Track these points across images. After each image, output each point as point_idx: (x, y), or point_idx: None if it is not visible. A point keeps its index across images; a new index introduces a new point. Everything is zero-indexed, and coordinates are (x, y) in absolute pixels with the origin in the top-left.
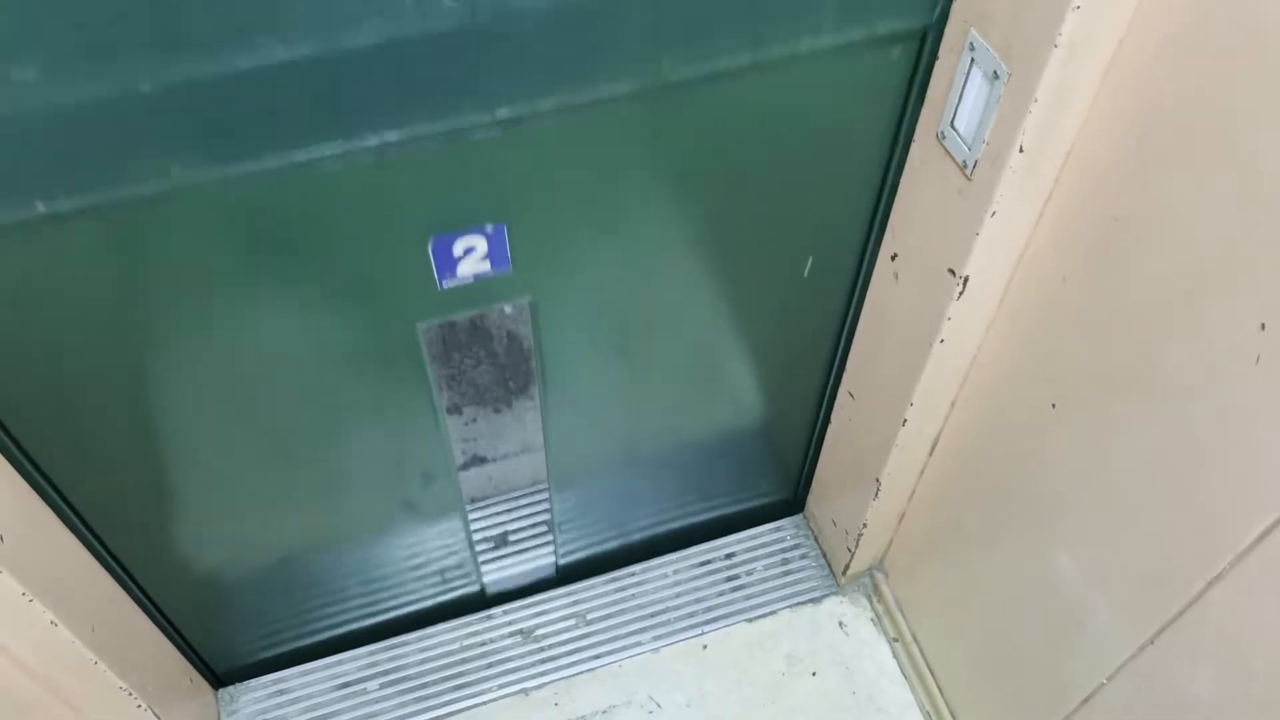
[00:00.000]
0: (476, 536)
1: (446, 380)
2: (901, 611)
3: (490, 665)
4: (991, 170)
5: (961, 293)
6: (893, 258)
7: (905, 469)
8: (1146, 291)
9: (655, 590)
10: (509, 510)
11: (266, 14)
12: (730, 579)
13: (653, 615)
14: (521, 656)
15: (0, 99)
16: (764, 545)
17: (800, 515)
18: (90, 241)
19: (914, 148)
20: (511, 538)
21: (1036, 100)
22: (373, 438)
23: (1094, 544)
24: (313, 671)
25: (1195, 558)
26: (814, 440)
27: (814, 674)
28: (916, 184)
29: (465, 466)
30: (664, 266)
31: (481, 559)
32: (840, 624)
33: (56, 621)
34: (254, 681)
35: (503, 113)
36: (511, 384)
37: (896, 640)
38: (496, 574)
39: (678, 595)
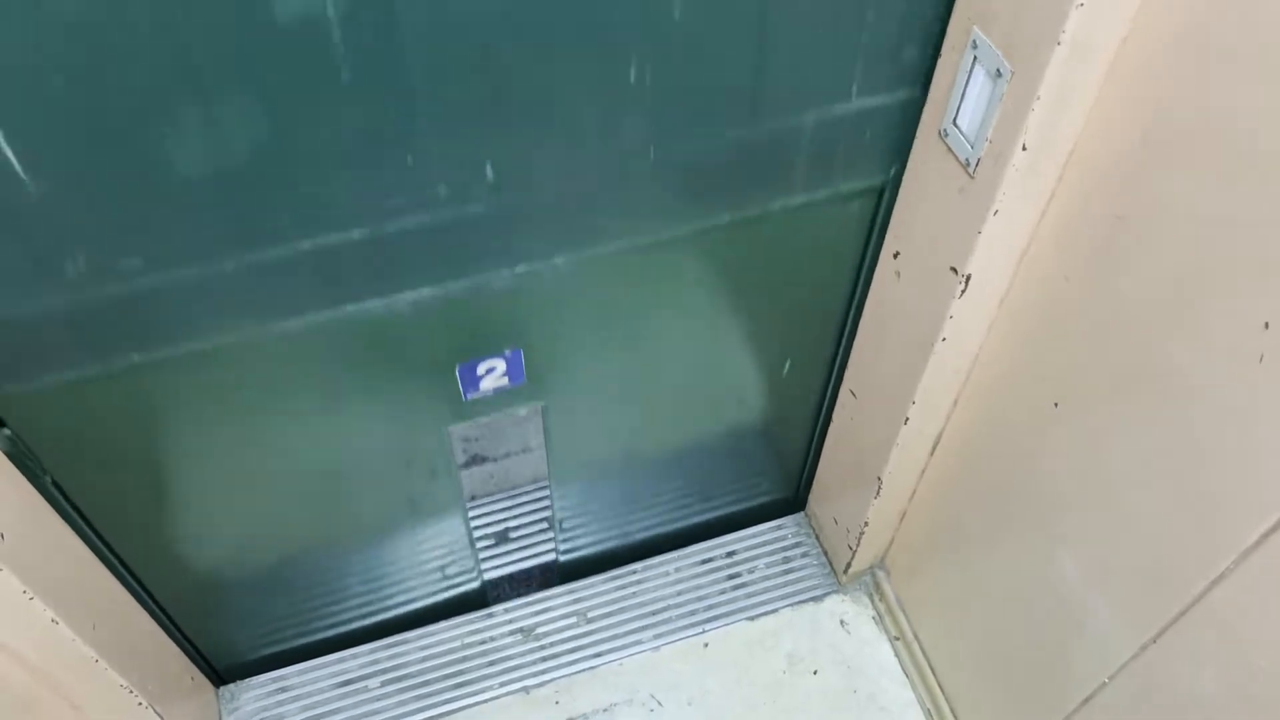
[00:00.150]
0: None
1: (466, 459)
2: (903, 610)
3: (491, 664)
4: (994, 169)
5: (964, 291)
6: (894, 256)
7: (907, 468)
8: (1149, 290)
9: (656, 588)
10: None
11: (329, 210)
12: (732, 577)
13: (654, 614)
14: (522, 655)
15: (112, 282)
16: (765, 544)
17: (802, 514)
18: (174, 379)
19: (916, 146)
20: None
21: (1039, 99)
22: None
23: (1096, 543)
24: (314, 669)
25: (1197, 557)
26: (815, 439)
27: (815, 672)
28: (919, 182)
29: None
30: (664, 356)
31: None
32: (841, 622)
33: (57, 619)
34: (255, 679)
35: (520, 268)
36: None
37: (898, 639)
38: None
39: (679, 593)
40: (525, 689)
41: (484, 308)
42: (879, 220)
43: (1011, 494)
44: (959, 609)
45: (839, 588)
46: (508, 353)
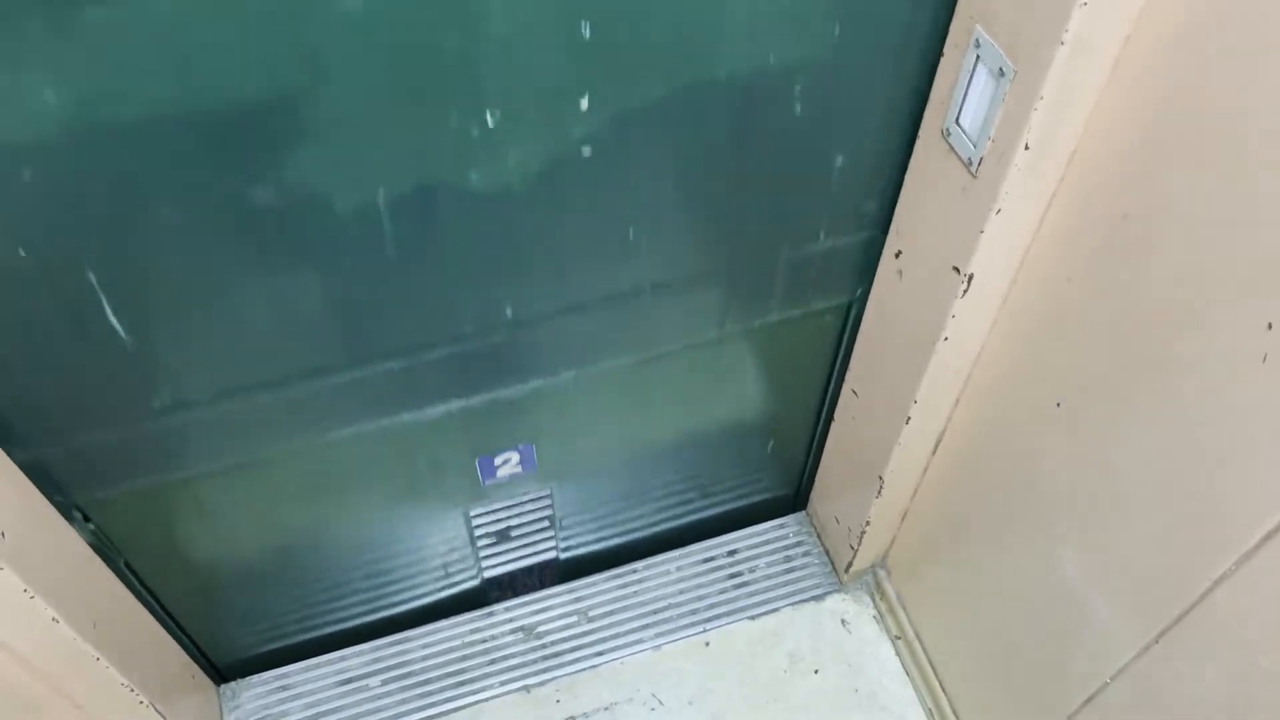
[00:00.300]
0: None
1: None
2: (904, 609)
3: (492, 662)
4: (997, 168)
5: (966, 290)
6: (897, 255)
7: (908, 467)
8: (1152, 290)
9: (658, 587)
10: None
11: (375, 347)
12: (733, 576)
13: (655, 612)
14: (523, 653)
15: (192, 410)
16: (767, 542)
17: (803, 512)
18: (234, 480)
19: (918, 145)
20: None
21: (1042, 98)
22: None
23: (1097, 543)
24: (315, 667)
25: (1199, 558)
26: (817, 438)
27: (816, 671)
28: (921, 181)
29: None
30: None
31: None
32: (843, 622)
33: (58, 618)
34: (256, 677)
35: (534, 383)
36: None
37: (899, 638)
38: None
39: (680, 592)
40: (526, 688)
41: (501, 414)
42: (849, 327)
43: (1013, 493)
44: (960, 608)
45: (840, 587)
46: (521, 447)
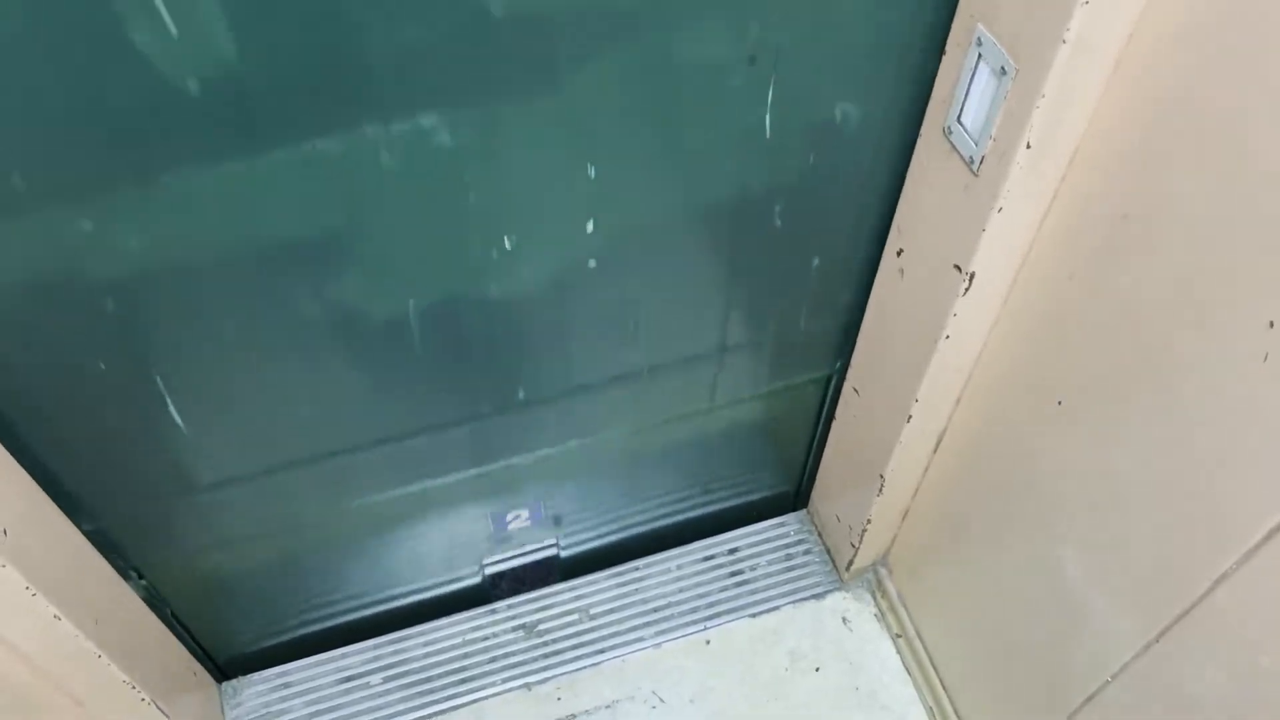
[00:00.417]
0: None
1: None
2: (905, 607)
3: (493, 660)
4: (998, 166)
5: (967, 289)
6: (898, 253)
7: (909, 465)
8: (1153, 289)
9: (658, 585)
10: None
11: (401, 426)
12: (734, 574)
13: (656, 610)
14: (524, 651)
15: (238, 486)
16: (768, 541)
17: (804, 511)
18: (270, 542)
19: (920, 143)
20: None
21: (1044, 96)
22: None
23: (1098, 541)
24: (316, 665)
25: (1201, 556)
26: (818, 436)
27: (817, 670)
28: (922, 179)
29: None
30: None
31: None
32: (844, 620)
33: (60, 615)
34: (257, 675)
35: (542, 452)
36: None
37: (900, 636)
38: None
39: (681, 590)
40: (527, 685)
41: (510, 479)
42: (829, 396)
43: (1014, 492)
44: (961, 607)
45: (841, 585)
46: (529, 505)
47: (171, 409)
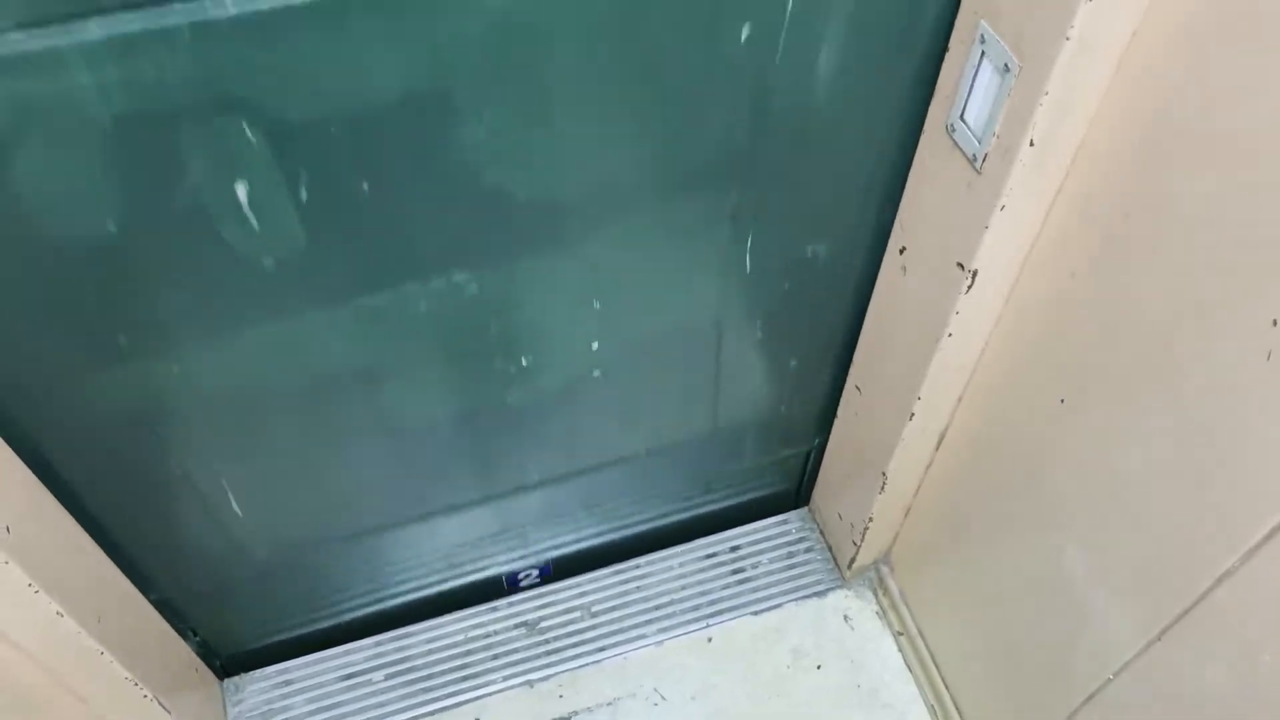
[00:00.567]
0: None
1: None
2: (907, 605)
3: (495, 657)
4: (1001, 164)
5: (970, 287)
6: (901, 251)
7: (911, 464)
8: (1156, 287)
9: (660, 583)
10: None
11: (422, 508)
12: (735, 572)
13: (658, 608)
14: (526, 649)
15: (325, 557)
16: (769, 538)
17: (806, 509)
18: None
19: (923, 141)
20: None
21: (1047, 94)
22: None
23: (1100, 539)
24: (318, 662)
25: (1203, 554)
26: (820, 434)
27: (819, 667)
28: (925, 177)
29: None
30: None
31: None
32: (845, 618)
33: (62, 612)
34: (259, 672)
35: (553, 520)
36: None
37: (901, 634)
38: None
39: (683, 588)
40: (529, 682)
41: (525, 541)
42: (809, 464)
43: (1016, 490)
44: (963, 605)
45: (843, 583)
46: (539, 566)
47: (232, 502)
